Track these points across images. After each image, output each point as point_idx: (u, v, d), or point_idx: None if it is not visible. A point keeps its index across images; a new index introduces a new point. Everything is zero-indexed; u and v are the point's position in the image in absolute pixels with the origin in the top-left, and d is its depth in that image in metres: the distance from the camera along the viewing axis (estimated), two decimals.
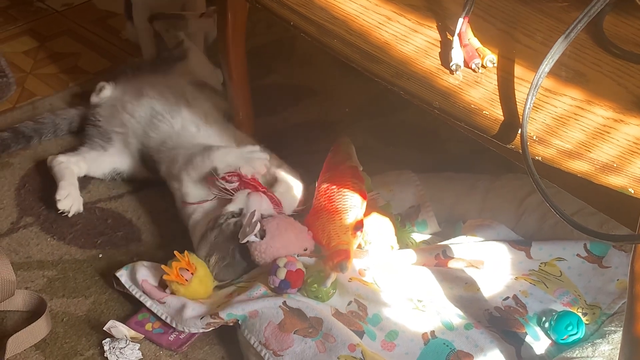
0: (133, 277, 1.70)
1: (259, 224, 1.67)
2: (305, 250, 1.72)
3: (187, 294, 1.66)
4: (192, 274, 1.65)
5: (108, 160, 2.00)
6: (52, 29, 2.60)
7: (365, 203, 1.74)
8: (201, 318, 1.60)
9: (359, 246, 1.72)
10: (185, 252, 1.67)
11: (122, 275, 1.70)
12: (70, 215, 1.90)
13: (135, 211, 1.94)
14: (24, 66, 2.44)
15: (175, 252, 1.66)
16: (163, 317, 1.63)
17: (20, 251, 1.86)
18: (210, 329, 1.61)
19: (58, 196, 1.89)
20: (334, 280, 1.62)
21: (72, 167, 1.96)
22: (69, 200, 1.90)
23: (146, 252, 1.85)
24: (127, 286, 1.69)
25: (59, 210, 1.89)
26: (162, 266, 1.67)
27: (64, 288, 1.76)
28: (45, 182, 1.98)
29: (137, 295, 1.67)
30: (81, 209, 1.93)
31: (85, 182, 2.01)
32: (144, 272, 1.70)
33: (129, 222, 1.93)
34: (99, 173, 2.01)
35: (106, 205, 1.98)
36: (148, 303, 1.66)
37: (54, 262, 1.83)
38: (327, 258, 1.64)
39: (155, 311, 1.65)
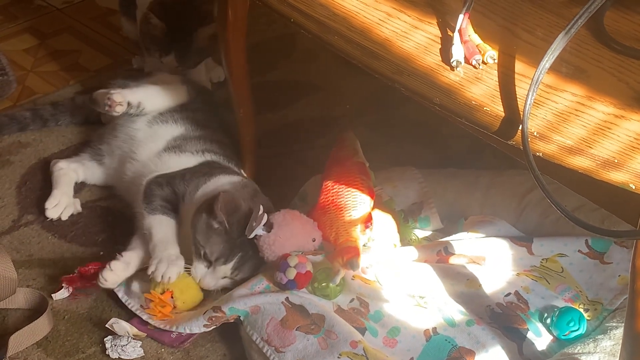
0: (129, 291, 1.70)
1: (266, 216, 1.67)
2: (314, 240, 1.71)
3: (180, 312, 1.67)
4: (171, 297, 1.66)
5: (104, 173, 2.01)
6: (52, 26, 2.59)
7: (372, 200, 1.74)
8: (203, 313, 1.60)
9: (364, 243, 1.72)
10: (152, 291, 1.66)
11: (119, 290, 1.71)
12: (63, 219, 1.92)
13: (130, 203, 1.94)
14: (24, 64, 2.44)
15: (145, 295, 1.66)
16: (162, 327, 1.64)
17: (21, 249, 1.86)
18: (212, 327, 1.61)
19: (47, 205, 1.91)
20: (342, 276, 1.62)
21: (70, 174, 1.97)
22: (57, 209, 1.92)
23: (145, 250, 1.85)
24: (123, 301, 1.69)
25: (47, 218, 1.92)
26: (145, 295, 1.67)
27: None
28: (46, 180, 1.98)
29: (133, 309, 1.67)
30: (77, 210, 1.94)
31: None
32: (139, 288, 1.71)
33: (130, 219, 1.92)
34: (94, 182, 2.02)
35: (107, 203, 1.98)
36: (145, 316, 1.66)
37: (56, 260, 1.83)
38: (336, 254, 1.64)
39: (153, 323, 1.65)
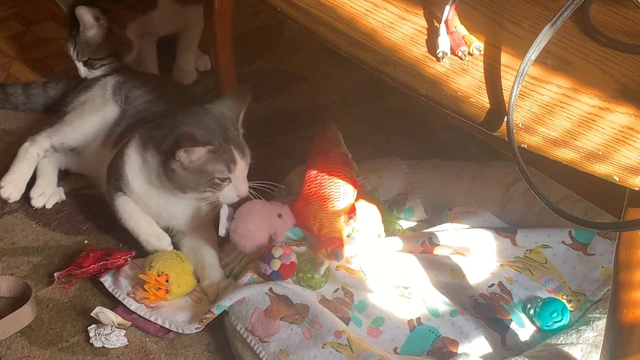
0: (115, 281, 1.70)
1: (226, 208, 1.69)
2: (280, 216, 1.72)
3: (174, 298, 1.67)
4: (166, 281, 1.65)
5: (86, 163, 2.00)
6: (37, 13, 2.58)
7: (356, 191, 1.74)
8: (198, 321, 1.60)
9: (347, 234, 1.72)
10: (148, 272, 1.65)
11: (106, 280, 1.70)
12: (47, 207, 1.92)
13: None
14: (9, 51, 2.43)
15: (140, 276, 1.66)
16: (153, 319, 1.63)
17: (5, 237, 1.85)
18: (202, 327, 1.61)
19: (32, 194, 1.91)
20: (326, 267, 1.63)
21: (53, 162, 1.97)
22: (42, 198, 1.91)
23: (131, 238, 1.84)
24: (110, 290, 1.69)
25: (31, 206, 1.91)
26: (140, 275, 1.67)
27: (50, 274, 1.76)
28: None
29: (120, 298, 1.67)
30: (62, 199, 1.94)
31: None
32: (127, 276, 1.71)
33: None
34: (77, 170, 2.02)
35: (92, 191, 1.97)
36: (133, 306, 1.66)
37: (39, 249, 1.83)
38: (320, 245, 1.64)
39: (142, 314, 1.65)
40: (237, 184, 1.70)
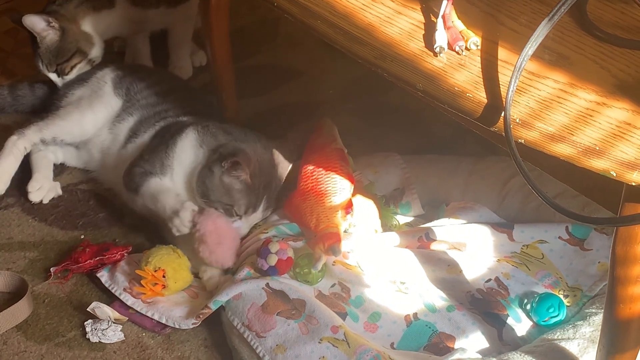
0: (112, 276, 1.70)
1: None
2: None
3: (170, 293, 1.67)
4: (163, 276, 1.65)
5: (83, 156, 2.00)
6: (33, 8, 2.53)
7: (353, 186, 1.74)
8: (195, 317, 1.60)
9: (344, 229, 1.72)
10: (145, 267, 1.65)
11: (103, 275, 1.70)
12: (44, 202, 1.91)
13: (117, 193, 1.93)
14: (5, 46, 2.42)
15: (137, 271, 1.66)
16: (149, 315, 1.63)
17: (1, 232, 1.85)
18: (199, 322, 1.61)
19: (30, 188, 1.90)
20: (324, 262, 1.63)
21: (49, 156, 1.97)
22: (40, 192, 1.91)
23: (127, 233, 1.85)
24: (107, 285, 1.69)
25: (31, 201, 1.90)
26: (137, 271, 1.67)
27: (46, 269, 1.76)
28: (26, 163, 1.96)
29: (117, 294, 1.67)
30: (58, 194, 1.93)
31: None
32: (124, 272, 1.70)
33: (111, 203, 1.92)
34: (73, 164, 2.02)
35: (88, 186, 1.97)
36: (129, 302, 1.66)
37: (36, 243, 1.82)
38: (317, 241, 1.64)
39: (138, 309, 1.64)
40: (244, 223, 1.75)
